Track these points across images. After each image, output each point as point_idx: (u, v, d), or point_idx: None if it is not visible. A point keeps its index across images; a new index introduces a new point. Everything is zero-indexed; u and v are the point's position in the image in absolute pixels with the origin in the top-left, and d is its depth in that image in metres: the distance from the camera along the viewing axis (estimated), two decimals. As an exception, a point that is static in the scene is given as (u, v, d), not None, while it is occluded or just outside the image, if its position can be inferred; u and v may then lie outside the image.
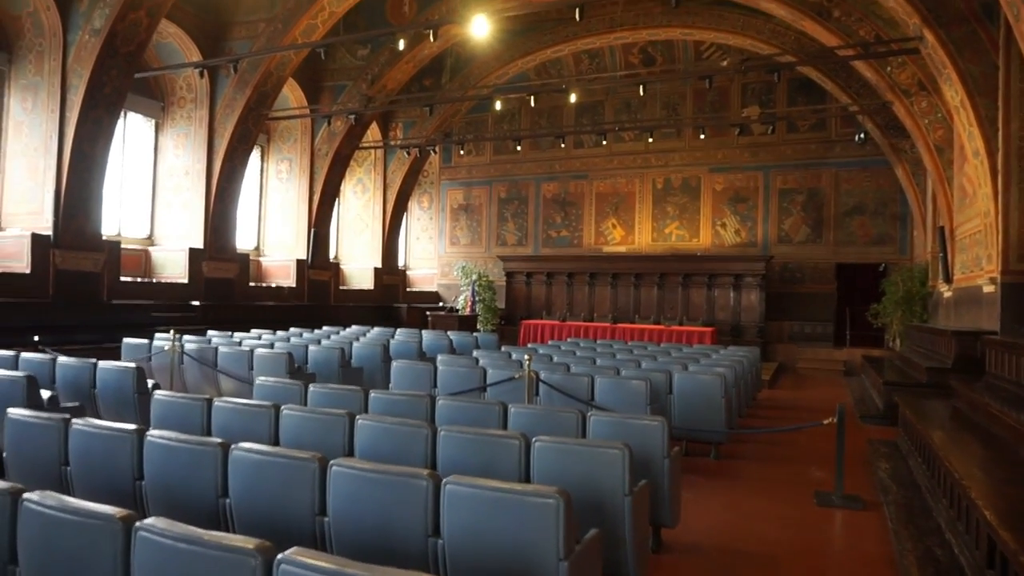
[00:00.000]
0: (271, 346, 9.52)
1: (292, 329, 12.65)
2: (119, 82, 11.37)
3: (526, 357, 6.81)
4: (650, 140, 18.24)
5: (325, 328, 13.34)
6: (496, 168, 21.92)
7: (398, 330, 12.92)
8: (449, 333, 12.55)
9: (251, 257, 16.41)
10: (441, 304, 21.49)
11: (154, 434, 3.60)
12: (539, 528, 2.68)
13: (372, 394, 5.26)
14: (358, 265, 20.11)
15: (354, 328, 13.56)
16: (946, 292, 12.21)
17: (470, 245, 22.24)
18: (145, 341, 9.31)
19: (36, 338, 8.94)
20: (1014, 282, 8.48)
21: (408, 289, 22.14)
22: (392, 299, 20.49)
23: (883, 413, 9.53)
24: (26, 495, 2.48)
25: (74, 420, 3.81)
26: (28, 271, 10.67)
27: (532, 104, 18.27)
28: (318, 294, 17.44)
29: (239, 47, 14.16)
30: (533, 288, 19.94)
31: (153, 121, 14.64)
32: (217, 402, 4.70)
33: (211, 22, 14.41)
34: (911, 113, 12.25)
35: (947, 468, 4.65)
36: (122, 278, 12.64)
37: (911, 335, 13.30)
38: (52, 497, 2.45)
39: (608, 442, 3.64)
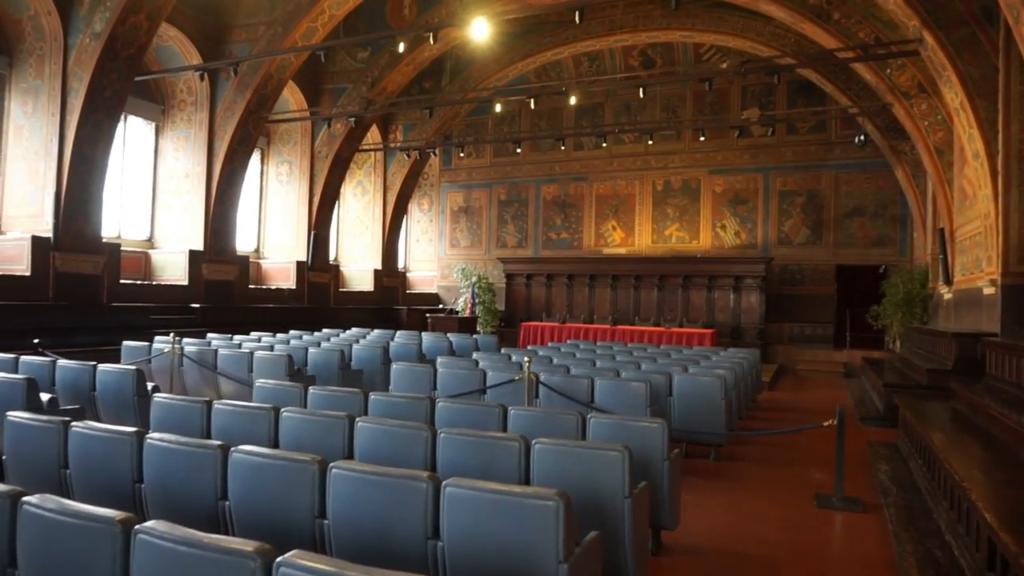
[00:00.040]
0: (271, 348, 9.52)
1: (292, 331, 12.65)
2: (119, 85, 11.39)
3: (526, 359, 6.81)
4: (650, 142, 18.26)
5: (325, 330, 13.34)
6: (496, 170, 21.94)
7: (398, 332, 12.92)
8: (449, 335, 12.54)
9: (251, 259, 16.41)
10: (441, 306, 21.49)
11: (154, 437, 3.60)
12: (539, 530, 2.68)
13: (372, 396, 5.25)
14: (358, 267, 20.12)
15: (354, 330, 13.56)
16: (946, 294, 12.21)
17: (470, 247, 22.25)
18: (145, 343, 9.32)
19: (36, 340, 8.94)
20: (1014, 284, 8.48)
21: (408, 291, 22.15)
22: (392, 301, 20.49)
23: (883, 415, 9.53)
24: (26, 498, 2.48)
25: (74, 423, 3.81)
26: (28, 273, 10.68)
27: (532, 106, 18.36)
28: (318, 296, 17.44)
29: (239, 50, 14.19)
30: (533, 290, 19.94)
31: (153, 124, 14.66)
32: (217, 404, 4.69)
33: (211, 25, 14.43)
34: (911, 115, 12.26)
35: (947, 470, 4.65)
36: (122, 280, 12.64)
37: (911, 337, 13.30)
38: (52, 500, 2.45)
39: (608, 444, 3.64)
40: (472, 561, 2.81)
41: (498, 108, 20.39)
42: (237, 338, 10.95)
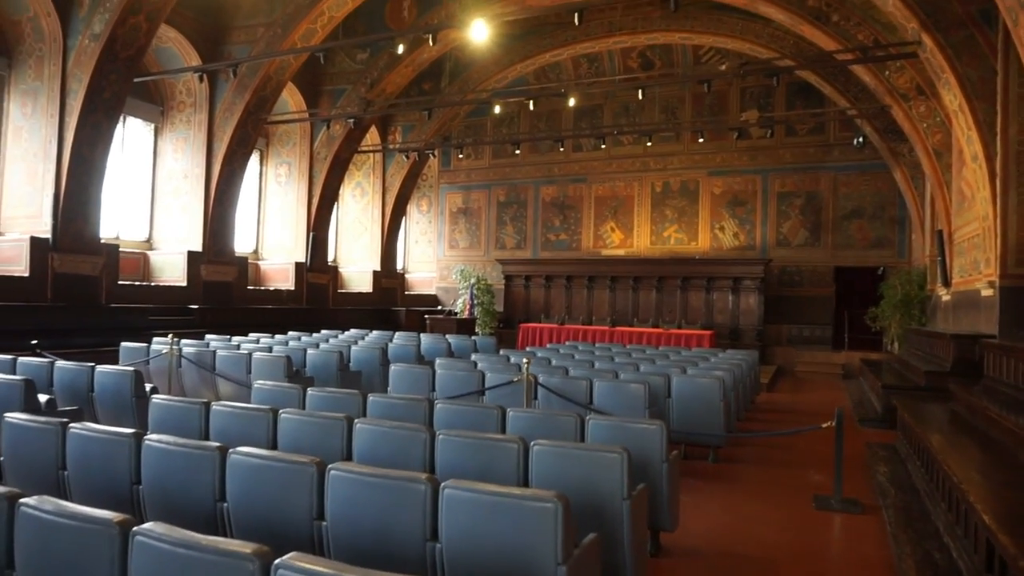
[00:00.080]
0: (269, 350, 9.51)
1: (290, 332, 12.64)
2: (118, 87, 11.39)
3: (524, 360, 6.80)
4: (649, 144, 18.26)
5: (323, 331, 13.34)
6: (495, 172, 21.95)
7: (396, 333, 12.91)
8: (447, 336, 12.54)
9: (250, 260, 16.40)
10: (440, 307, 21.48)
11: (152, 438, 3.59)
12: (538, 532, 2.68)
13: (370, 398, 5.25)
14: (357, 268, 20.11)
15: (352, 331, 13.56)
16: (944, 296, 12.22)
17: (469, 248, 22.25)
18: (143, 345, 9.31)
19: (34, 341, 8.92)
20: (1012, 286, 8.49)
21: (406, 292, 22.14)
22: (391, 302, 20.49)
23: (882, 416, 9.53)
24: (23, 500, 2.48)
25: (72, 424, 3.80)
26: (27, 274, 10.67)
27: (531, 108, 18.36)
28: (317, 297, 17.43)
29: (238, 51, 14.19)
30: (532, 291, 19.95)
31: (152, 125, 14.65)
32: (215, 406, 4.69)
33: (210, 26, 14.43)
34: (909, 117, 12.27)
35: (946, 472, 4.65)
36: (120, 281, 12.63)
37: (909, 338, 13.31)
38: (49, 502, 2.45)
39: (606, 446, 3.64)
40: (471, 563, 2.80)
41: (497, 109, 20.40)
42: (235, 339, 10.95)
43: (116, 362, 8.93)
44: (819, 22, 12.49)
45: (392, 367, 7.75)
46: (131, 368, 6.67)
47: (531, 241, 21.43)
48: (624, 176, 20.21)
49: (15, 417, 4.00)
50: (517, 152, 19.60)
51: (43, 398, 5.77)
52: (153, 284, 13.79)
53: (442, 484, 2.88)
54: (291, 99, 16.92)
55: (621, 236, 20.20)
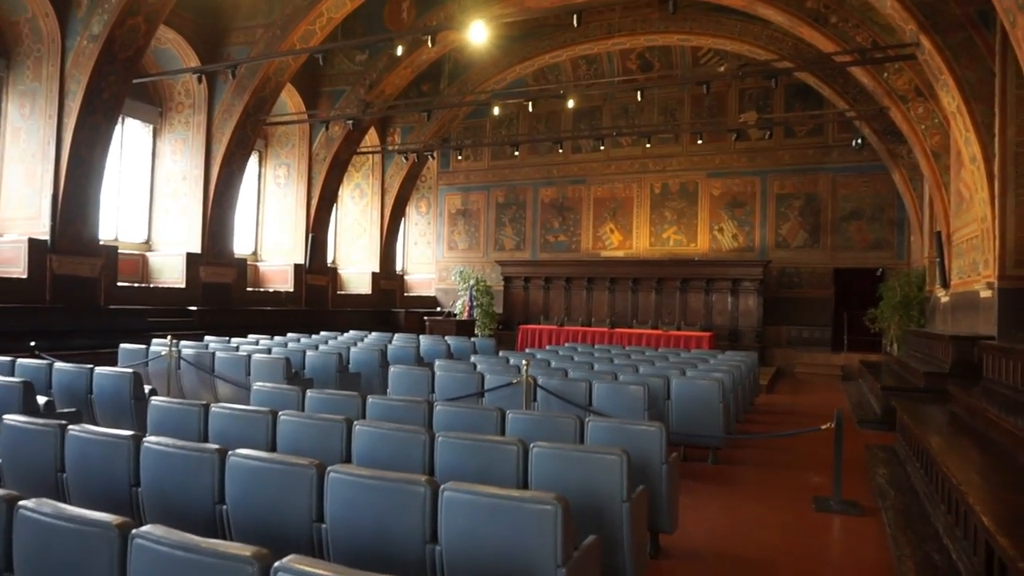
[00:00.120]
0: (268, 351, 9.51)
1: (289, 334, 12.63)
2: (117, 88, 11.38)
3: (524, 362, 6.80)
4: (648, 145, 18.29)
5: (323, 333, 13.32)
6: (494, 173, 21.96)
7: (396, 335, 12.90)
8: (447, 338, 12.54)
9: (249, 262, 16.39)
10: (439, 309, 21.47)
11: (151, 440, 3.58)
12: (537, 535, 2.68)
13: (370, 400, 5.25)
14: (356, 270, 20.11)
15: (352, 333, 13.55)
16: (943, 297, 12.23)
17: (468, 250, 22.26)
18: (142, 346, 9.30)
19: (33, 343, 8.92)
20: (1011, 287, 8.48)
21: (406, 294, 22.14)
22: (390, 304, 20.49)
23: (881, 418, 9.53)
24: (22, 502, 2.47)
25: (70, 426, 3.79)
26: (25, 276, 10.66)
27: (530, 109, 18.39)
28: (316, 299, 17.42)
29: (237, 53, 14.18)
30: (531, 293, 19.95)
31: (151, 126, 14.64)
32: (214, 408, 4.68)
33: (209, 28, 14.43)
34: (908, 119, 12.29)
35: (945, 473, 4.65)
36: (119, 283, 12.62)
37: (908, 340, 13.32)
38: (48, 504, 2.44)
39: (606, 448, 3.63)
40: (470, 565, 2.80)
41: (496, 111, 20.42)
42: (235, 341, 10.94)
43: (115, 364, 8.93)
44: (818, 23, 12.51)
45: (391, 369, 7.74)
46: (130, 370, 6.66)
47: (530, 243, 21.44)
48: (623, 177, 20.22)
49: (14, 419, 3.99)
50: (516, 153, 19.63)
51: (42, 400, 5.77)
52: (152, 286, 13.78)
53: (442, 486, 2.88)
54: (290, 100, 16.91)
55: (620, 237, 20.21)
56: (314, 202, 17.28)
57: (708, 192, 19.19)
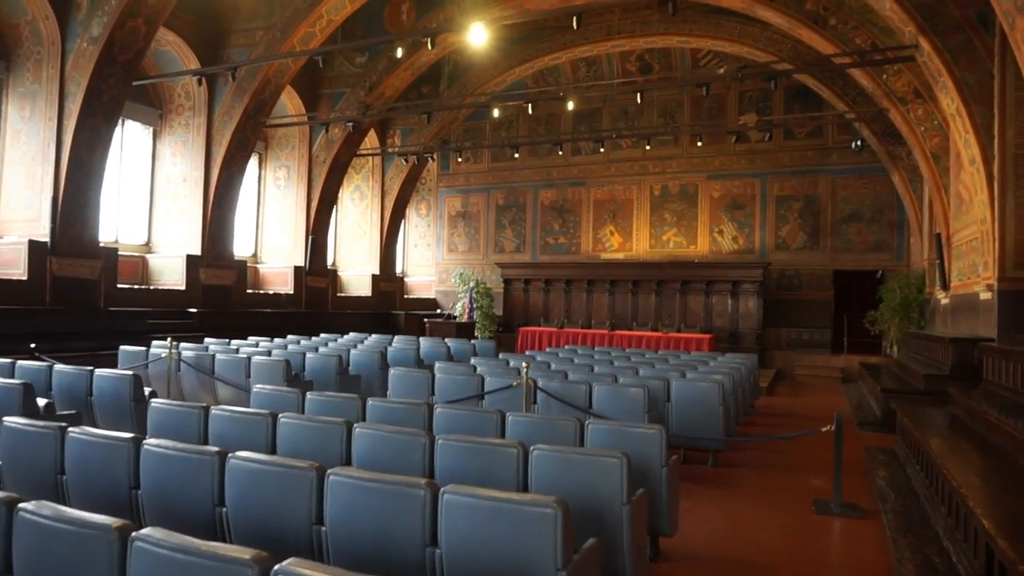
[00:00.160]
0: (268, 353, 9.51)
1: (289, 336, 12.63)
2: (117, 90, 11.38)
3: (524, 364, 6.80)
4: (647, 147, 18.32)
5: (322, 335, 13.32)
6: (494, 175, 21.97)
7: (395, 337, 12.91)
8: (447, 340, 12.54)
9: (248, 264, 16.39)
10: (439, 311, 21.48)
11: (151, 443, 3.58)
12: (537, 538, 2.68)
13: (370, 402, 5.24)
14: (356, 272, 20.11)
15: (351, 335, 13.54)
16: (943, 299, 12.23)
17: (468, 252, 22.26)
18: (142, 348, 9.30)
19: (33, 345, 8.92)
20: (1011, 289, 8.48)
21: (406, 296, 22.14)
22: (390, 306, 20.48)
23: (881, 420, 9.53)
24: (21, 504, 2.47)
25: (70, 428, 3.79)
26: (25, 278, 10.66)
27: (530, 111, 18.38)
28: (315, 301, 17.42)
29: (237, 55, 14.20)
30: (531, 295, 19.95)
31: (151, 129, 14.65)
32: (214, 410, 4.68)
33: (209, 30, 14.44)
34: (907, 120, 12.30)
35: (945, 476, 4.65)
36: (119, 285, 12.62)
37: (908, 342, 13.32)
38: (48, 507, 2.44)
39: (606, 451, 3.63)
40: (470, 569, 2.80)
41: (496, 113, 20.40)
42: (235, 343, 10.94)
43: (115, 366, 8.93)
44: (817, 25, 12.52)
45: (391, 371, 7.74)
46: (130, 372, 6.66)
47: (530, 245, 21.44)
48: (623, 179, 20.23)
49: (14, 421, 3.99)
50: (516, 156, 19.63)
51: (42, 402, 5.76)
52: (152, 288, 13.78)
53: (442, 489, 2.88)
54: (290, 102, 16.93)
55: (620, 240, 20.21)
56: (314, 204, 17.28)
57: (708, 194, 19.20)
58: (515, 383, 6.75)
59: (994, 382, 6.70)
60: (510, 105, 19.73)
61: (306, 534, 3.15)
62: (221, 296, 14.56)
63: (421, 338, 12.77)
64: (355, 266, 20.30)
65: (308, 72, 16.31)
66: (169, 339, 8.70)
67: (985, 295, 9.09)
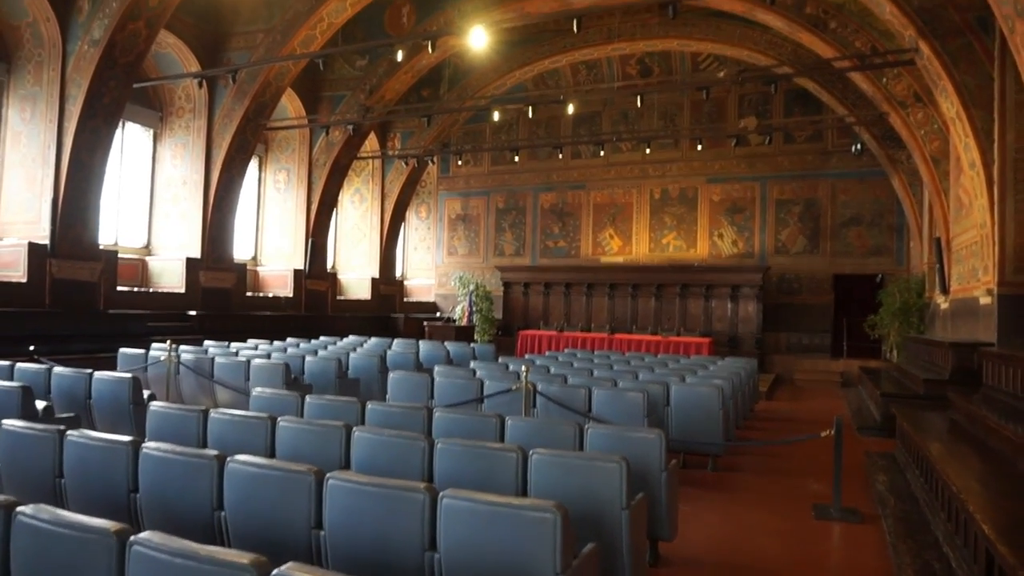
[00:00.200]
0: (268, 356, 9.50)
1: (289, 339, 12.63)
2: (118, 92, 11.39)
3: (523, 368, 6.79)
4: (647, 151, 18.32)
5: (322, 338, 13.32)
6: (494, 178, 21.98)
7: (395, 340, 12.90)
8: (446, 344, 12.53)
9: (248, 267, 16.39)
10: (438, 314, 21.48)
11: (149, 446, 3.57)
12: (536, 542, 2.67)
13: (369, 406, 5.24)
14: (355, 275, 20.11)
15: (351, 338, 13.53)
16: (943, 303, 12.23)
17: (468, 255, 22.26)
18: (141, 351, 9.29)
19: (32, 347, 8.91)
20: (1010, 294, 8.48)
21: (405, 299, 22.14)
22: (389, 309, 20.48)
23: (881, 425, 9.52)
24: (20, 508, 2.46)
25: (69, 431, 3.78)
26: (24, 280, 10.65)
27: (530, 115, 18.26)
28: (315, 304, 17.42)
29: (238, 57, 14.21)
30: (531, 298, 19.95)
31: (151, 131, 14.67)
32: (213, 413, 4.67)
33: (210, 33, 14.46)
34: (907, 124, 12.31)
35: (945, 481, 4.64)
36: (119, 287, 12.62)
37: (908, 346, 13.31)
38: (46, 510, 2.43)
39: (605, 455, 3.63)
40: (470, 573, 2.79)
41: (496, 116, 20.34)
42: (234, 346, 10.93)
43: (114, 368, 8.93)
44: (817, 29, 12.54)
45: (391, 374, 7.73)
46: (129, 375, 6.65)
47: (530, 248, 21.45)
48: (623, 183, 20.24)
49: (12, 424, 3.98)
50: (516, 159, 19.64)
51: (40, 405, 5.75)
52: (151, 290, 13.78)
53: (441, 493, 2.87)
54: (290, 105, 16.94)
55: (620, 243, 20.21)
56: (314, 207, 17.29)
57: (708, 198, 19.21)
58: (514, 387, 6.74)
59: (994, 387, 6.70)
60: (510, 108, 19.73)
61: (305, 538, 3.14)
62: (221, 299, 14.56)
63: (420, 341, 12.77)
64: (355, 269, 20.30)
65: (308, 75, 16.32)
66: (168, 342, 8.70)
67: (985, 299, 9.09)
